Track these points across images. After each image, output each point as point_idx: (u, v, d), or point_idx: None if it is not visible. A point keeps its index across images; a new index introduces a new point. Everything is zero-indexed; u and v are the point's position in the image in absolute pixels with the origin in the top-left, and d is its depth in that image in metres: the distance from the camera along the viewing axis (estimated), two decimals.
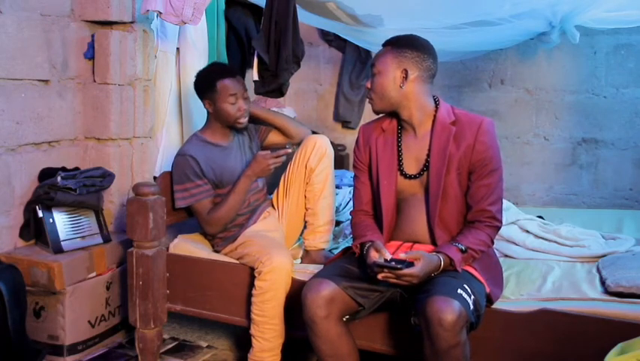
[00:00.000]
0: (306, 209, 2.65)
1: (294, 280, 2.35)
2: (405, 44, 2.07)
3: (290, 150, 2.59)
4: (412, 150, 2.13)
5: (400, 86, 2.05)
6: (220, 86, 2.57)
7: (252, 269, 2.38)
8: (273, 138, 2.81)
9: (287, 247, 2.59)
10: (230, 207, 2.55)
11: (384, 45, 2.13)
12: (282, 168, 2.75)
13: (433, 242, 2.09)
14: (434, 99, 2.13)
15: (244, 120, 2.62)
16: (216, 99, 2.58)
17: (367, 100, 2.16)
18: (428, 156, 2.09)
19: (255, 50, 3.11)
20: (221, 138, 2.66)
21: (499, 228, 2.09)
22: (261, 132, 2.82)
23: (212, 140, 2.64)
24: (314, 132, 2.94)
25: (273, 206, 2.75)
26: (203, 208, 2.57)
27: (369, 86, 2.12)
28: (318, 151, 2.60)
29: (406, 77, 2.04)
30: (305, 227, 2.70)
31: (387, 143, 2.16)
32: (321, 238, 2.62)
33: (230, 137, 2.69)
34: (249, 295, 2.37)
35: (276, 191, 2.75)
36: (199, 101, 3.36)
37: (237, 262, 2.50)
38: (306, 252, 2.63)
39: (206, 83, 2.62)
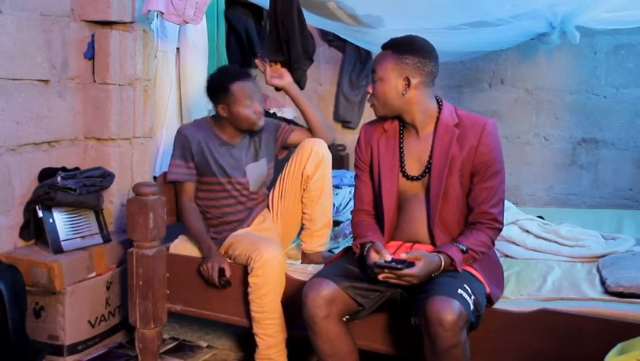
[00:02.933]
0: (303, 213, 2.63)
1: (294, 280, 2.35)
2: (405, 49, 2.03)
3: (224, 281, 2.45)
4: (414, 151, 2.12)
5: (403, 94, 2.03)
6: (236, 89, 2.50)
7: (246, 270, 2.38)
8: (296, 138, 2.71)
9: (278, 243, 2.55)
10: (189, 229, 2.56)
11: (383, 48, 2.09)
12: (279, 169, 2.74)
13: (433, 243, 2.09)
14: (437, 99, 2.12)
15: (261, 123, 2.57)
16: (231, 103, 2.51)
17: (369, 104, 2.14)
18: (430, 157, 2.09)
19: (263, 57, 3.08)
20: (229, 136, 2.62)
21: (500, 230, 2.09)
22: (282, 131, 2.73)
23: (218, 133, 2.61)
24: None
25: (268, 207, 2.74)
26: (181, 190, 2.59)
27: (370, 91, 2.09)
28: (315, 158, 2.54)
29: (408, 85, 2.02)
30: (302, 228, 2.69)
31: (389, 143, 2.15)
32: (318, 242, 2.61)
33: (239, 138, 2.63)
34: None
35: (271, 191, 2.74)
36: (199, 101, 3.35)
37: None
38: (304, 254, 2.63)
39: (219, 87, 2.55)
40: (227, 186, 2.60)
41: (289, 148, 2.78)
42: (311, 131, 2.72)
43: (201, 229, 2.54)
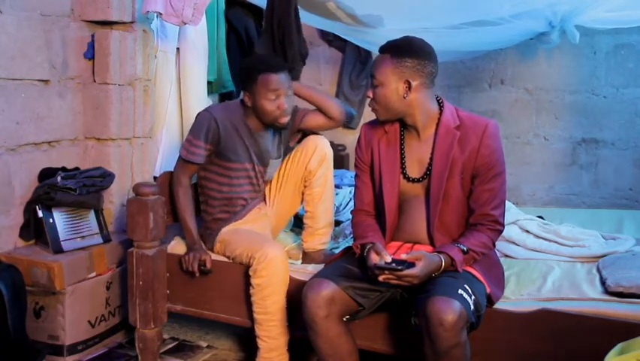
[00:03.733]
0: (306, 212, 2.64)
1: (294, 280, 2.35)
2: (404, 52, 2.00)
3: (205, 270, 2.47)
4: (415, 152, 2.12)
5: (404, 97, 2.02)
6: (261, 79, 2.42)
7: (247, 270, 2.38)
8: (311, 122, 2.67)
9: (278, 244, 2.54)
10: (179, 210, 2.53)
11: (381, 51, 2.06)
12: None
13: (433, 245, 2.09)
14: (437, 100, 2.11)
15: (285, 120, 2.49)
16: (256, 94, 2.45)
17: (371, 108, 2.11)
18: (431, 159, 2.08)
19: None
20: (255, 127, 2.56)
21: (501, 231, 2.09)
22: (297, 116, 2.67)
23: (246, 121, 2.55)
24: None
25: (264, 200, 2.73)
26: (186, 168, 2.54)
27: (371, 95, 2.07)
28: (319, 154, 2.56)
29: (409, 88, 2.00)
30: (295, 224, 2.71)
31: (390, 145, 2.14)
32: (319, 240, 2.62)
33: (264, 129, 2.58)
34: (249, 295, 2.37)
35: (268, 182, 2.73)
36: (199, 101, 3.35)
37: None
38: (305, 253, 2.63)
39: (247, 74, 2.49)
40: (251, 172, 2.59)
41: (302, 131, 2.73)
42: (322, 112, 2.67)
43: (192, 218, 2.53)
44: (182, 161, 2.57)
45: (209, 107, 2.61)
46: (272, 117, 2.48)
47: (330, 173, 2.62)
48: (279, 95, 2.44)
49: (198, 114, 2.58)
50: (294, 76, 2.94)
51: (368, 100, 2.11)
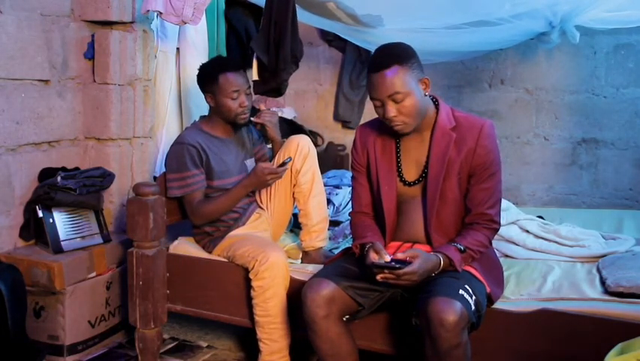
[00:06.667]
0: (299, 210, 2.64)
1: (294, 280, 2.35)
2: (405, 56, 1.99)
3: (287, 167, 2.51)
4: (412, 154, 2.11)
5: (425, 95, 2.02)
6: (222, 79, 2.51)
7: (247, 271, 2.38)
8: (261, 157, 2.80)
9: (279, 246, 2.57)
10: (219, 208, 2.53)
11: (386, 67, 1.95)
12: None
13: (431, 245, 2.09)
14: (433, 100, 2.11)
15: (245, 116, 2.58)
16: (217, 93, 2.53)
17: (397, 128, 2.00)
18: (427, 161, 2.08)
19: (252, 50, 3.10)
20: (222, 132, 2.63)
21: (497, 230, 2.09)
22: (261, 147, 2.80)
23: (210, 132, 2.61)
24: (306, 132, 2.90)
25: (259, 206, 2.73)
26: (193, 199, 2.54)
27: (394, 114, 1.97)
28: (302, 152, 2.57)
29: (426, 85, 2.02)
30: (295, 224, 2.72)
31: (386, 147, 2.14)
32: (317, 238, 2.60)
33: (231, 133, 2.65)
34: (249, 295, 2.37)
35: (257, 191, 2.72)
36: (199, 100, 3.36)
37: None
38: (305, 253, 2.63)
39: (208, 76, 2.57)
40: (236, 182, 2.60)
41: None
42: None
43: (219, 199, 2.53)
44: (185, 197, 2.55)
45: (179, 139, 2.60)
46: (234, 115, 2.56)
47: (316, 168, 2.61)
48: (240, 94, 2.53)
49: (169, 153, 2.59)
50: (284, 77, 2.94)
51: (389, 121, 1.99)
